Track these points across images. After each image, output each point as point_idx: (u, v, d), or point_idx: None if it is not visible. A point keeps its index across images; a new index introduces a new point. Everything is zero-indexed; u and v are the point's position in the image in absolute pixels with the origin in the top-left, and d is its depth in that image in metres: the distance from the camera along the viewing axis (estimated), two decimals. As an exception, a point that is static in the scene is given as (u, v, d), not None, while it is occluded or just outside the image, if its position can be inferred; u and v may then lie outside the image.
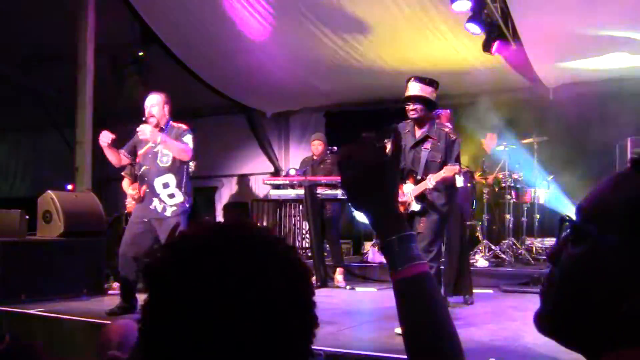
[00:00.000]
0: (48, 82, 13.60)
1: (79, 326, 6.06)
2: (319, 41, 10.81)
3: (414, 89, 6.13)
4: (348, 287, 8.91)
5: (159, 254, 1.14)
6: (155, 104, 6.81)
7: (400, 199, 6.08)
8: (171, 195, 6.70)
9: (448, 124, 6.48)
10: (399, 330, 5.90)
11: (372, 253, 10.66)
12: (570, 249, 1.00)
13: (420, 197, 6.09)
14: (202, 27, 11.08)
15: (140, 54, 11.69)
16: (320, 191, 9.24)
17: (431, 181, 5.93)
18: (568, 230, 1.03)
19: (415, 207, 6.10)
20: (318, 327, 1.18)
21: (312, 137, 10.15)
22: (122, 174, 8.66)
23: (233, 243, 1.11)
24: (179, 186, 6.75)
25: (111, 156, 6.83)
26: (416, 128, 6.19)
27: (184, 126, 6.89)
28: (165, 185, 6.71)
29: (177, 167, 6.75)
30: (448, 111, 8.12)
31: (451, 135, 6.13)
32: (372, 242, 11.12)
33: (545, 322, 1.05)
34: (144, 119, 6.82)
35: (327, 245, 9.59)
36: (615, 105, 9.39)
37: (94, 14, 9.98)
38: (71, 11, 9.95)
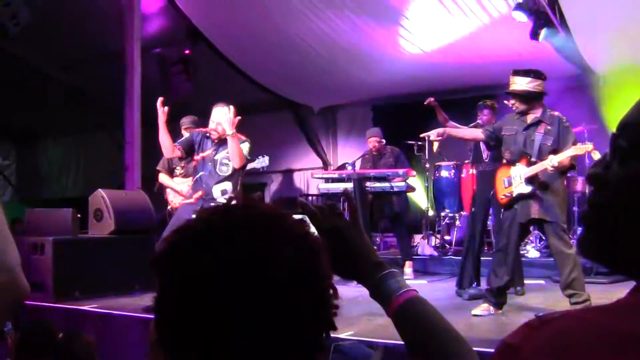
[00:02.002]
0: (97, 83, 13.78)
1: (131, 322, 6.14)
2: (363, 33, 10.80)
3: (511, 84, 6.31)
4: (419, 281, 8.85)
5: (165, 242, 1.12)
6: (221, 121, 6.90)
7: (505, 185, 6.27)
8: None
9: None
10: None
11: (422, 246, 10.61)
12: (619, 169, 0.96)
13: (531, 179, 6.08)
14: (247, 24, 11.12)
15: (187, 52, 11.76)
16: (370, 184, 9.21)
17: (553, 161, 5.90)
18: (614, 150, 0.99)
19: (525, 189, 6.09)
20: (337, 303, 1.17)
21: (367, 134, 10.11)
22: (158, 168, 8.90)
23: (238, 223, 1.09)
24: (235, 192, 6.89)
25: (165, 140, 6.97)
26: (527, 115, 6.26)
27: (242, 137, 7.00)
28: (224, 192, 6.90)
29: (235, 175, 6.98)
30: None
31: (565, 122, 6.14)
32: (421, 235, 11.08)
33: (592, 247, 1.02)
34: (206, 131, 7.00)
35: (397, 239, 9.70)
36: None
37: (140, 14, 10.08)
38: (118, 11, 10.07)
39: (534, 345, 0.85)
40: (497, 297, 6.16)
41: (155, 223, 8.51)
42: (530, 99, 6.19)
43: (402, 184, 9.18)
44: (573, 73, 10.92)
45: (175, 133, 7.97)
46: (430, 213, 11.26)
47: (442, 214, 10.98)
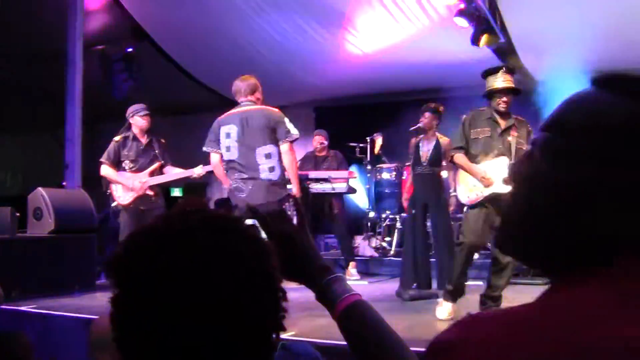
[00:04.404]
0: (38, 80, 13.58)
1: (71, 322, 6.07)
2: (308, 36, 10.82)
3: (507, 80, 6.09)
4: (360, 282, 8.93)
5: (124, 245, 1.15)
6: None
7: (485, 176, 5.89)
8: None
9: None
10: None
11: (363, 247, 10.69)
12: (554, 171, 0.97)
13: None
14: (191, 23, 11.06)
15: (130, 50, 11.67)
16: (311, 186, 9.24)
17: None
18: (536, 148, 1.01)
19: (504, 188, 5.65)
20: (286, 301, 1.22)
21: (315, 133, 10.21)
22: (101, 160, 8.06)
23: (197, 225, 1.13)
24: None
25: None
26: (499, 116, 6.10)
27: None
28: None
29: None
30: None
31: (529, 126, 6.11)
32: (362, 237, 11.14)
33: (515, 244, 1.05)
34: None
35: (337, 241, 9.79)
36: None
37: (83, 11, 9.98)
38: (60, 8, 9.95)
39: (469, 343, 0.87)
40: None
41: (96, 222, 8.42)
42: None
43: (343, 185, 9.24)
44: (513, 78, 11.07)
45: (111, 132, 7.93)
46: (371, 214, 11.34)
47: (383, 215, 11.06)
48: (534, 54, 10.34)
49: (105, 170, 8.07)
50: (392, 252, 10.45)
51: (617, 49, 9.49)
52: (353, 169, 10.62)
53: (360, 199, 11.75)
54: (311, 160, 9.86)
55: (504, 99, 6.03)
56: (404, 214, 10.50)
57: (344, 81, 12.17)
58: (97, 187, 9.10)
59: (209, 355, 1.09)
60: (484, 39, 9.39)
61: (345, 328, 1.43)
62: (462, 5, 8.96)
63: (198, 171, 7.99)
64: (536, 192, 0.99)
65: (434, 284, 7.69)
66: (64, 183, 9.79)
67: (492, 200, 5.90)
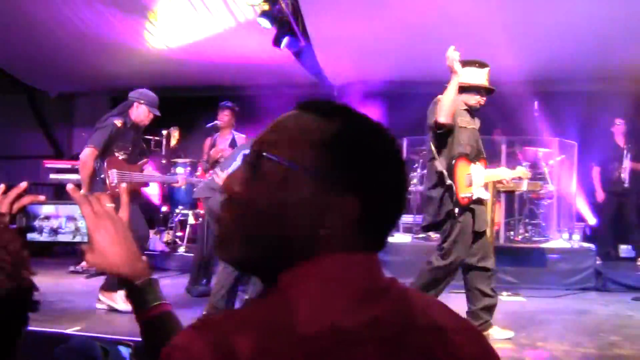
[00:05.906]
0: None
1: None
2: (110, 24, 10.58)
3: (487, 79, 5.63)
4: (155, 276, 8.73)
5: None
6: None
7: (467, 184, 5.35)
8: None
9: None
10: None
11: (153, 241, 10.57)
12: (253, 181, 1.06)
13: (486, 186, 5.57)
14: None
15: None
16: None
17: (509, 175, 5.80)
18: (245, 163, 1.10)
19: (485, 194, 5.51)
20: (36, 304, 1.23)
21: None
22: (90, 145, 6.81)
23: None
24: None
25: None
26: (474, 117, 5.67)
27: None
28: None
29: None
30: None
31: None
32: (153, 231, 11.02)
33: (230, 249, 1.10)
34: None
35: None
36: (400, 106, 9.76)
37: None
38: None
39: (200, 344, 0.93)
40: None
41: None
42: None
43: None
44: (310, 81, 11.37)
45: None
46: (164, 209, 11.24)
47: (176, 210, 10.97)
48: (333, 59, 10.62)
49: (88, 158, 6.67)
50: (183, 248, 10.39)
51: (415, 62, 9.94)
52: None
53: (153, 193, 11.61)
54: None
55: (485, 98, 5.61)
56: (197, 210, 10.47)
57: (143, 72, 11.96)
58: None
59: None
60: (285, 41, 9.57)
61: (149, 335, 1.45)
62: (266, 7, 9.08)
63: (181, 181, 7.71)
64: (246, 200, 1.07)
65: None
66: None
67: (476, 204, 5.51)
